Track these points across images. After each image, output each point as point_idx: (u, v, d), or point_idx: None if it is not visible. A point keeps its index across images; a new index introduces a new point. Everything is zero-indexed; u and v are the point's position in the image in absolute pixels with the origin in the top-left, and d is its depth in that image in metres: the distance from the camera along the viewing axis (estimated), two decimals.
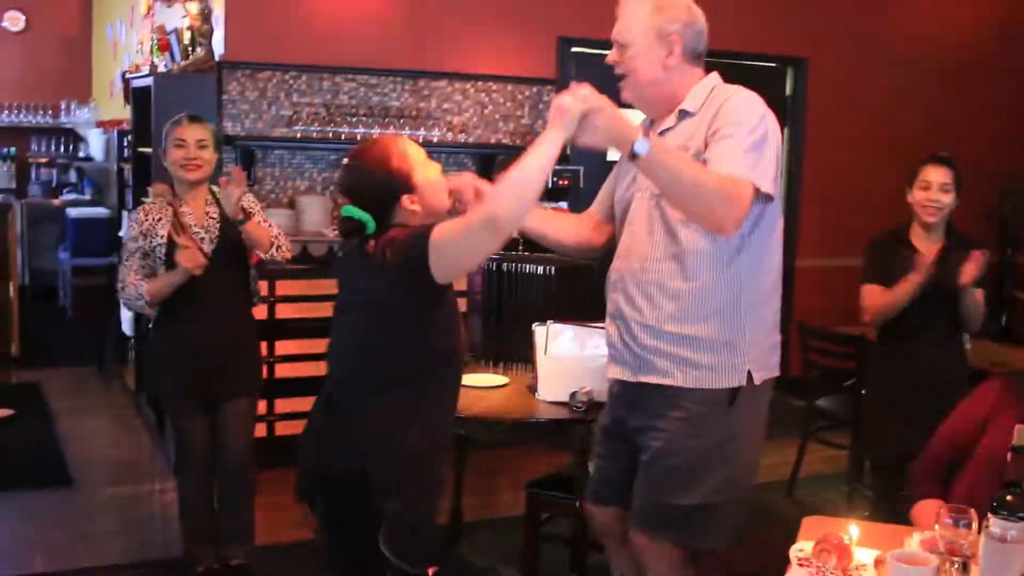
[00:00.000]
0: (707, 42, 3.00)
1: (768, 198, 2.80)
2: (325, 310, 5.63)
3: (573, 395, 3.85)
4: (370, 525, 2.73)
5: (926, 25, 8.16)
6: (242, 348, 4.19)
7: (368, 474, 2.71)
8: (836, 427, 5.73)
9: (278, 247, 4.11)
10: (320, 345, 5.82)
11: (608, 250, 3.20)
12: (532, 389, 4.04)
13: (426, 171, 2.79)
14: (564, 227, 3.30)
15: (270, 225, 4.17)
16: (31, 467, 5.53)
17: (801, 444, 5.67)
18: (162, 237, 3.98)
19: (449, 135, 6.54)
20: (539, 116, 6.84)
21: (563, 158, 6.71)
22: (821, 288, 7.49)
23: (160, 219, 3.99)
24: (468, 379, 4.18)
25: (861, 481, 5.42)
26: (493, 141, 6.74)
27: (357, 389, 2.76)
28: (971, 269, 4.10)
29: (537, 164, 2.53)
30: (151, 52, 6.37)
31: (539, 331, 4.03)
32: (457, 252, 2.57)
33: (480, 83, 6.70)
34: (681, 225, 2.86)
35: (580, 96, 2.59)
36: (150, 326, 4.30)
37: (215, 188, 4.09)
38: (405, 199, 2.74)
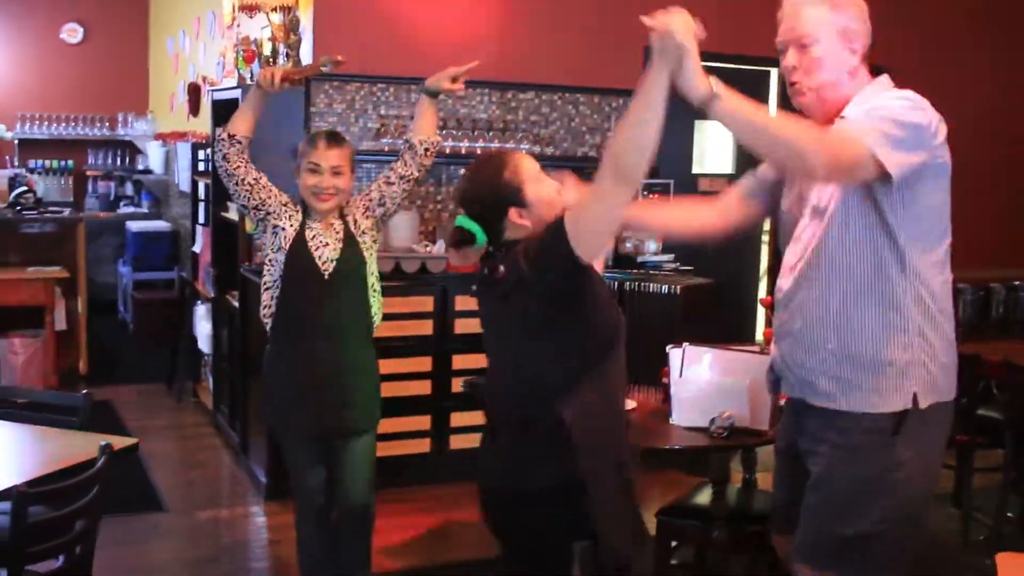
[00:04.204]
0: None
1: (887, 177, 2.59)
2: (420, 328, 5.59)
3: (712, 421, 3.70)
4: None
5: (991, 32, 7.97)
6: (362, 379, 3.90)
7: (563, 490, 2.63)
8: None
9: (433, 142, 3.97)
10: (416, 364, 5.74)
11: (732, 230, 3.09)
12: (665, 413, 3.90)
13: (538, 187, 2.76)
14: (685, 218, 3.23)
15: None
16: (121, 490, 5.38)
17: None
18: (285, 231, 3.79)
19: (536, 147, 6.40)
20: None
21: (652, 171, 6.62)
22: None
23: (291, 215, 3.82)
24: None
25: (971, 503, 5.28)
26: (580, 153, 6.61)
27: (530, 409, 2.69)
28: None
29: (648, 101, 2.41)
30: (236, 64, 6.25)
31: (674, 353, 3.89)
32: (595, 216, 2.53)
33: (567, 94, 6.57)
34: (847, 250, 2.73)
35: (682, 23, 2.40)
36: (266, 350, 3.99)
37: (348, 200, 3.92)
38: (513, 212, 2.71)
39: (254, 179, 3.84)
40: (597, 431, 2.65)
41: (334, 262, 3.79)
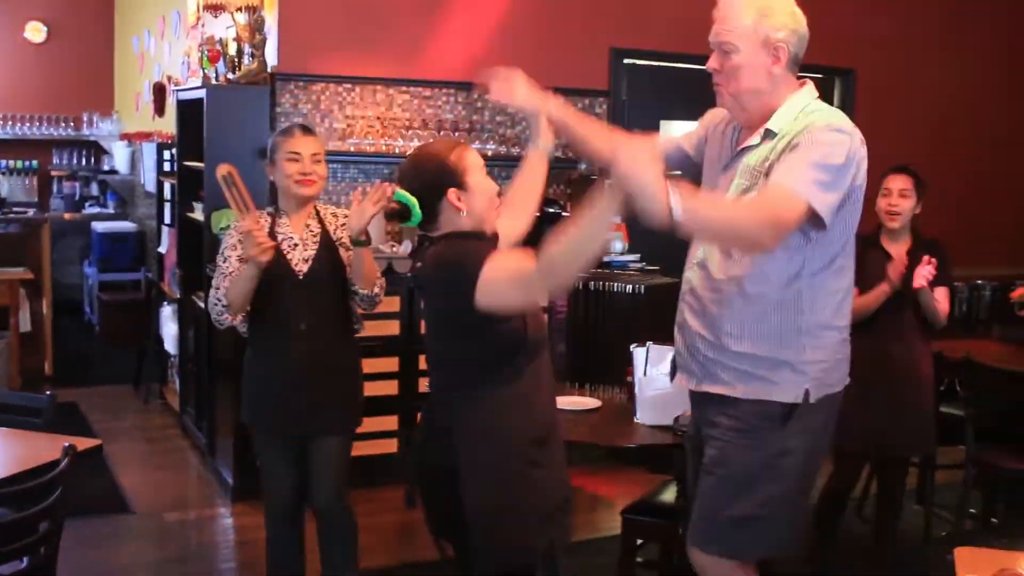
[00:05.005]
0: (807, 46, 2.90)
1: (819, 221, 2.71)
2: (387, 328, 5.59)
3: (676, 419, 3.73)
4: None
5: (984, 34, 8.03)
6: (338, 381, 3.83)
7: (456, 473, 2.75)
8: None
9: (380, 286, 3.76)
10: (383, 364, 5.73)
11: None
12: (629, 412, 3.92)
13: (481, 178, 2.83)
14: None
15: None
16: (87, 492, 5.36)
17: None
18: None
19: (503, 147, 6.40)
20: None
21: None
22: None
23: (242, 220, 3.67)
24: (559, 403, 4.07)
25: (933, 500, 5.34)
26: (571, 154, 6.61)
27: (442, 392, 2.83)
28: (923, 273, 4.42)
29: (592, 232, 2.47)
30: (200, 64, 6.23)
31: (638, 352, 3.92)
32: (510, 296, 2.61)
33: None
34: (750, 256, 2.83)
35: (641, 156, 2.40)
36: (245, 352, 3.93)
37: (320, 206, 3.86)
38: (452, 193, 2.76)
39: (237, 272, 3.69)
40: (486, 433, 2.73)
41: (308, 262, 3.74)
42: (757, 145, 2.85)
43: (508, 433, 2.73)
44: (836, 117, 2.82)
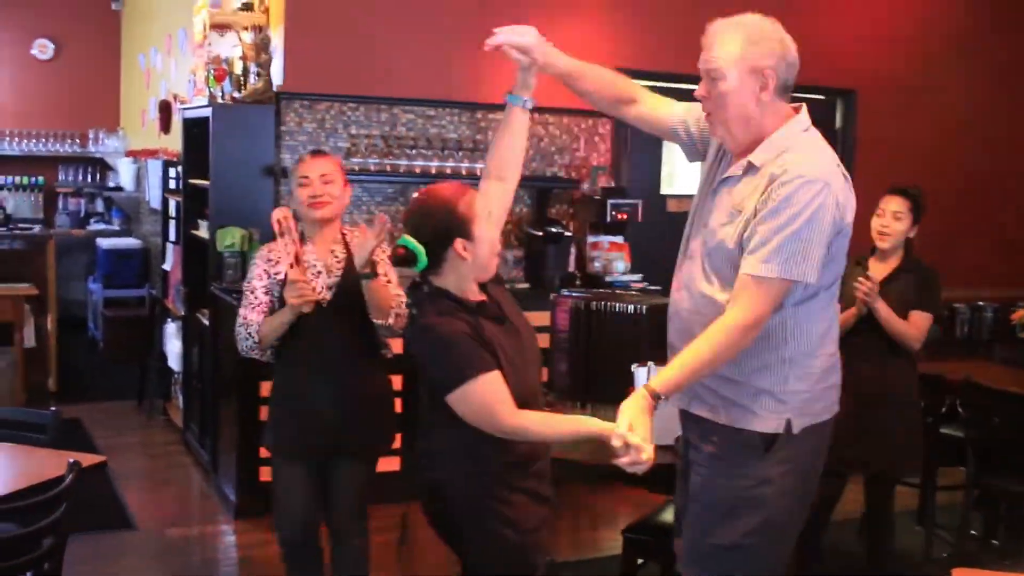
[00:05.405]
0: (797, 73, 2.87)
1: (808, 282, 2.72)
2: (391, 346, 5.60)
3: (677, 439, 3.74)
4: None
5: (986, 55, 8.07)
6: (364, 406, 3.79)
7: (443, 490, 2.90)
8: None
9: (397, 315, 3.63)
10: None
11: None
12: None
13: (487, 227, 2.88)
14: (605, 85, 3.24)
15: (395, 285, 3.71)
16: (90, 508, 5.37)
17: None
18: (280, 276, 3.70)
19: None
20: (594, 149, 6.77)
21: (620, 192, 6.68)
22: None
23: (282, 258, 3.68)
24: None
25: (934, 520, 5.34)
26: (549, 174, 6.66)
27: (430, 411, 2.93)
28: (862, 288, 4.46)
29: (562, 438, 2.85)
30: (207, 82, 6.27)
31: (639, 372, 3.92)
32: (470, 413, 2.75)
33: (536, 115, 6.58)
34: (725, 283, 2.81)
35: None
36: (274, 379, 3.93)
37: (346, 229, 3.83)
38: (459, 243, 2.81)
39: (264, 306, 3.75)
40: (469, 452, 2.83)
41: (331, 289, 3.72)
42: (740, 176, 2.82)
43: (488, 457, 2.83)
44: (809, 164, 2.72)
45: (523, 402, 2.78)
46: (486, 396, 2.71)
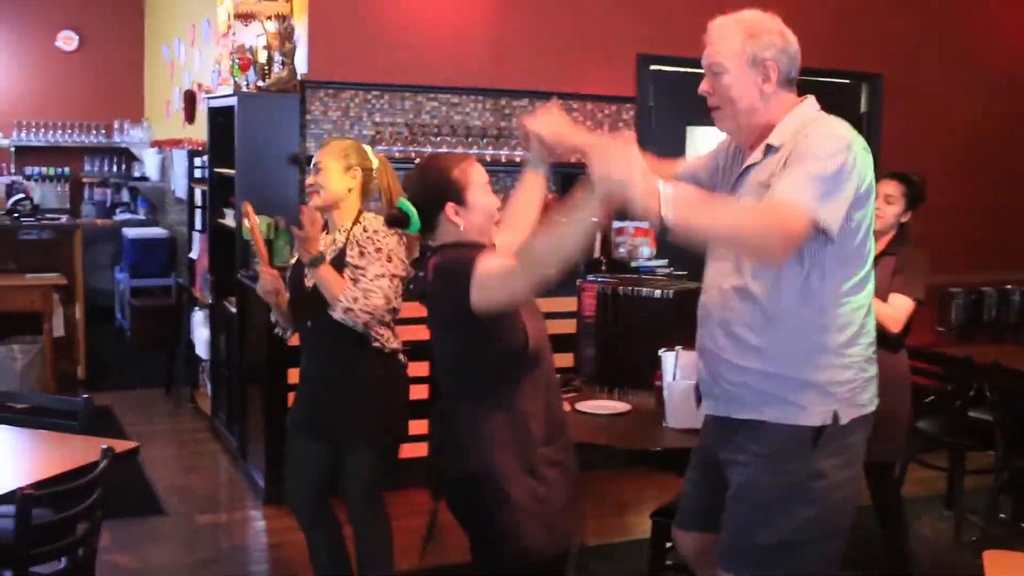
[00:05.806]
0: (800, 65, 2.90)
1: (826, 236, 2.68)
2: (417, 333, 5.61)
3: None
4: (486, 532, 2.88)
5: (1012, 37, 8.00)
6: (357, 393, 3.81)
7: (476, 480, 2.83)
8: (933, 449, 5.63)
9: (347, 309, 3.62)
10: (414, 369, 5.76)
11: None
12: (659, 416, 3.94)
13: (482, 194, 2.91)
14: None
15: (370, 280, 3.67)
16: (121, 494, 5.42)
17: (902, 468, 5.54)
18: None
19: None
20: (618, 134, 6.75)
21: None
22: None
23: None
24: (588, 407, 4.11)
25: (962, 504, 5.34)
26: (574, 160, 6.62)
27: (451, 399, 2.93)
28: None
29: (574, 230, 2.55)
30: (231, 72, 6.30)
31: (667, 357, 3.93)
32: (499, 290, 2.68)
33: (560, 101, 6.59)
34: (755, 272, 2.80)
35: (620, 159, 2.43)
36: None
37: (365, 215, 3.82)
38: (451, 208, 2.87)
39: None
40: (497, 436, 2.81)
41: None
42: (761, 161, 2.85)
43: (511, 443, 2.82)
44: (834, 123, 2.79)
45: (539, 349, 2.85)
46: (496, 259, 2.72)
